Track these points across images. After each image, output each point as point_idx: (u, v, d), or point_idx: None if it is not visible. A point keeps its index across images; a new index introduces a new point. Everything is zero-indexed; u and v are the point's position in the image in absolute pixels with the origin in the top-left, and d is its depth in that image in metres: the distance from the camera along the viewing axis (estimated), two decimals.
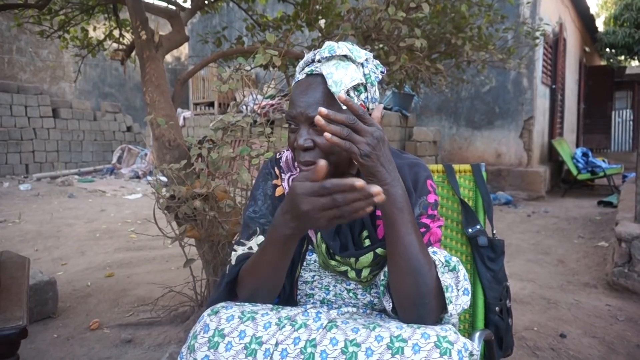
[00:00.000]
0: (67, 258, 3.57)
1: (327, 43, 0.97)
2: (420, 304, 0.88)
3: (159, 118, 2.02)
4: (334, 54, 0.94)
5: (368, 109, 0.97)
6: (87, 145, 10.22)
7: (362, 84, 0.95)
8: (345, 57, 0.94)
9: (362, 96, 0.95)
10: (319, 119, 0.78)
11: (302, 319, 0.87)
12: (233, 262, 0.99)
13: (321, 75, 0.93)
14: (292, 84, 1.00)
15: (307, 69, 0.96)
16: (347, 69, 0.93)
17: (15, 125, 9.07)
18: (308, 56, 0.98)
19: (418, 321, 0.87)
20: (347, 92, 0.92)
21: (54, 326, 2.34)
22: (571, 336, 2.25)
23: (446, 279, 0.91)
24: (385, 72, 1.05)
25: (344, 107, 0.91)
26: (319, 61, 0.96)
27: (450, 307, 0.90)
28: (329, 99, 0.92)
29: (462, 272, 0.94)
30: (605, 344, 2.17)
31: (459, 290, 0.92)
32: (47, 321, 2.38)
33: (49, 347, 2.12)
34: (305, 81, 0.95)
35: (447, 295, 0.90)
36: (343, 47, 0.95)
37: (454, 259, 0.94)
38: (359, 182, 0.72)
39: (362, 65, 0.96)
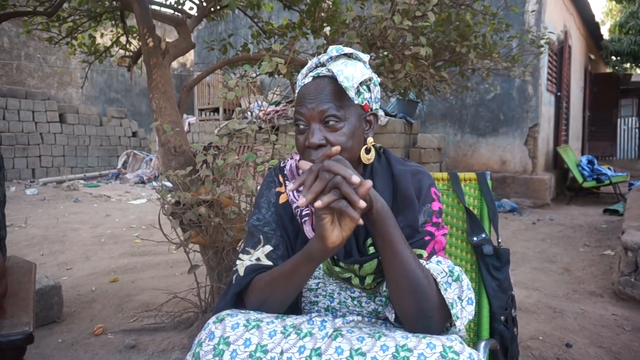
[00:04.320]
0: (72, 263, 3.58)
1: (331, 46, 1.00)
2: (424, 317, 0.88)
3: (165, 124, 2.03)
4: (341, 53, 0.97)
5: (371, 109, 1.00)
6: (92, 150, 10.30)
7: (370, 79, 0.99)
8: (351, 56, 0.99)
9: (367, 95, 0.98)
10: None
11: (308, 328, 0.88)
12: (242, 274, 0.98)
13: (328, 77, 0.96)
14: (297, 89, 1.02)
15: (313, 73, 0.99)
16: (356, 66, 0.96)
17: (22, 130, 9.16)
18: (312, 62, 1.01)
19: (423, 332, 0.87)
20: (357, 88, 0.96)
21: (58, 331, 2.34)
22: (577, 346, 2.23)
23: (450, 294, 0.91)
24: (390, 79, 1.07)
25: (356, 102, 0.96)
26: (322, 65, 0.98)
27: (457, 323, 0.90)
28: (340, 96, 0.94)
29: (466, 281, 0.94)
30: (612, 354, 2.15)
31: (462, 301, 0.92)
32: (52, 326, 2.39)
33: (53, 352, 2.12)
34: (312, 83, 0.97)
35: (453, 312, 0.90)
36: (347, 48, 0.99)
37: (457, 268, 0.94)
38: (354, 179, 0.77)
39: (365, 64, 1.00)
